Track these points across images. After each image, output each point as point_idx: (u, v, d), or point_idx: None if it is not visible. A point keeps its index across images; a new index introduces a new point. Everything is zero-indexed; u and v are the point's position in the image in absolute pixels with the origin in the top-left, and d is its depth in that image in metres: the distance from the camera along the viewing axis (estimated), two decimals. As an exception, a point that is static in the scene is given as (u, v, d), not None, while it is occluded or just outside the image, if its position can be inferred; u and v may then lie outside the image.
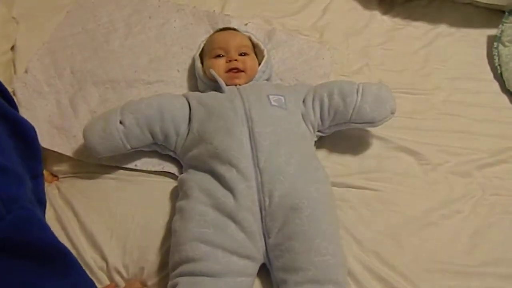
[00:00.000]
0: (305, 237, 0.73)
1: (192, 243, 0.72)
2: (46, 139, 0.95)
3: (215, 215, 0.74)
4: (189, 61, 1.09)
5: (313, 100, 0.91)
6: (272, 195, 0.75)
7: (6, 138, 0.41)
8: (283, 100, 0.89)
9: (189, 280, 0.71)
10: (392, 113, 0.91)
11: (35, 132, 0.45)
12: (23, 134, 0.44)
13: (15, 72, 1.04)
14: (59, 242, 0.45)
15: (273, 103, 0.87)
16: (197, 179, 0.79)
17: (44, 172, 0.95)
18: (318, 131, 0.93)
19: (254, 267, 0.76)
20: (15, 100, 0.95)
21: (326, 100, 0.90)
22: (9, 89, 0.97)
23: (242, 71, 0.93)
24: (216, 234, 0.73)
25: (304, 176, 0.79)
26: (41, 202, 0.47)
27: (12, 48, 1.08)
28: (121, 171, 0.92)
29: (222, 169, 0.77)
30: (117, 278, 0.81)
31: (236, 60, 0.93)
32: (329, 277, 0.71)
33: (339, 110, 0.89)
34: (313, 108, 0.91)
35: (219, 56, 0.95)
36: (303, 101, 0.92)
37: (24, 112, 0.97)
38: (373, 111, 0.88)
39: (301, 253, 0.72)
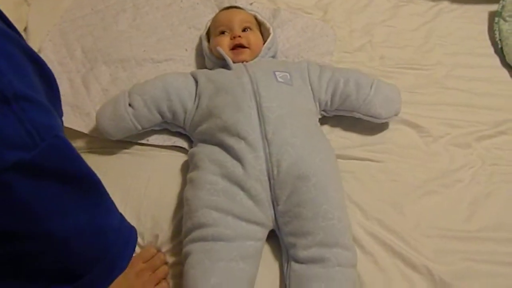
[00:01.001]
0: (312, 203, 0.77)
1: (203, 210, 0.76)
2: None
3: (224, 184, 0.78)
4: (197, 40, 1.12)
5: (329, 80, 0.95)
6: (280, 165, 0.79)
7: (37, 78, 0.43)
8: (289, 77, 0.92)
9: (202, 247, 0.75)
10: (396, 114, 0.96)
11: (55, 78, 0.47)
12: (47, 77, 0.45)
13: (28, 53, 1.07)
14: (93, 172, 0.46)
15: (279, 79, 0.91)
16: (206, 152, 0.83)
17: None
18: (323, 110, 0.96)
19: (263, 232, 0.80)
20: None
21: (341, 85, 0.93)
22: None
23: (247, 47, 0.96)
24: (225, 201, 0.77)
25: (309, 147, 0.82)
26: None
27: (25, 29, 1.11)
28: (135, 146, 0.96)
29: (231, 141, 0.81)
30: (133, 245, 0.85)
31: (239, 36, 0.96)
32: (336, 241, 0.75)
33: (350, 98, 0.93)
34: (327, 88, 0.94)
35: (223, 33, 0.98)
36: (318, 77, 0.95)
37: (39, 91, 1.00)
38: (381, 108, 0.93)
39: (309, 218, 0.76)
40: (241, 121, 0.82)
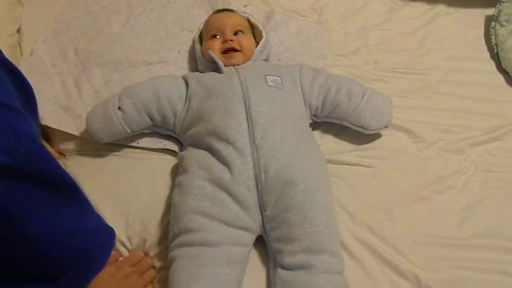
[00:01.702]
0: (300, 209, 0.76)
1: (190, 215, 0.75)
2: (52, 119, 0.98)
3: (212, 189, 0.77)
4: (190, 42, 1.11)
5: (321, 86, 0.94)
6: (267, 170, 0.79)
7: (12, 87, 0.44)
8: (280, 81, 0.92)
9: (187, 252, 0.74)
10: (386, 126, 0.95)
11: (31, 87, 0.48)
12: (24, 87, 0.47)
13: (21, 53, 1.07)
14: (70, 177, 0.48)
15: (270, 83, 0.90)
16: (195, 156, 0.83)
17: (52, 150, 0.99)
18: (314, 115, 0.96)
19: (250, 238, 0.79)
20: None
21: (333, 92, 0.92)
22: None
23: (238, 50, 0.96)
24: (212, 206, 0.76)
25: (298, 152, 0.82)
26: None
27: (18, 30, 1.11)
28: (125, 149, 0.95)
29: (220, 146, 0.80)
30: (122, 249, 0.85)
31: (231, 40, 0.95)
32: (323, 247, 0.75)
33: (340, 106, 0.92)
34: (318, 93, 0.93)
35: (215, 36, 0.98)
36: (311, 82, 0.94)
37: (31, 93, 1.00)
38: (371, 118, 0.92)
39: (296, 224, 0.76)
40: (230, 125, 0.82)
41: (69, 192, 0.49)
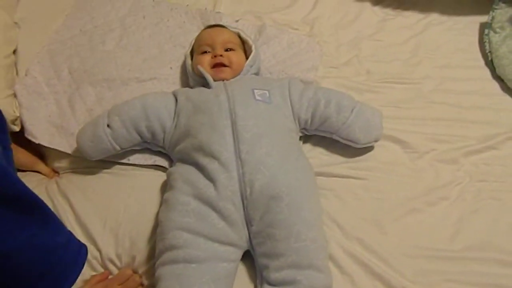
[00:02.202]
0: (285, 224, 0.76)
1: (174, 231, 0.75)
2: (46, 138, 1.00)
3: (196, 205, 0.77)
4: (182, 58, 1.12)
5: (310, 99, 0.94)
6: (253, 185, 0.78)
7: None
8: (267, 95, 0.92)
9: (173, 271, 0.74)
10: (376, 141, 0.95)
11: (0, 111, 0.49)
12: None
13: (17, 74, 1.09)
14: (37, 196, 0.49)
15: (257, 97, 0.90)
16: (181, 171, 0.83)
17: (46, 168, 1.01)
18: (304, 128, 0.96)
19: (237, 253, 0.79)
20: (17, 102, 1.02)
21: (321, 106, 0.92)
22: (12, 92, 1.04)
23: (227, 66, 0.96)
24: (197, 222, 0.76)
25: (285, 166, 0.81)
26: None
27: (14, 51, 1.13)
28: (116, 166, 0.97)
29: (205, 161, 0.80)
30: (111, 267, 0.85)
31: (221, 55, 0.96)
32: (308, 262, 0.74)
33: (329, 120, 0.92)
34: (307, 107, 0.93)
35: (205, 52, 0.99)
36: (300, 95, 0.94)
37: (25, 113, 1.02)
38: (360, 133, 0.92)
39: (281, 239, 0.75)
40: (215, 141, 0.82)
41: (35, 209, 0.50)
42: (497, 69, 1.09)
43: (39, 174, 1.00)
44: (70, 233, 0.57)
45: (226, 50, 0.99)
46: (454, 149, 0.98)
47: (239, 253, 0.80)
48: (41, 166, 1.00)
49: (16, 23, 1.17)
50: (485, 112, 1.04)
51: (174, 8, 1.22)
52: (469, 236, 0.86)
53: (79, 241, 0.58)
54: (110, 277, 0.84)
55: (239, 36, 1.07)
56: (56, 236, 0.53)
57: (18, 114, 1.02)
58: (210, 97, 0.90)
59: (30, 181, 0.97)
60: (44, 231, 0.51)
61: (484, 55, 1.14)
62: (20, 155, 0.98)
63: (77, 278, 0.56)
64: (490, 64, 1.12)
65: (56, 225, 0.54)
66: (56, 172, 1.02)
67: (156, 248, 0.79)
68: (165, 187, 0.91)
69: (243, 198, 0.79)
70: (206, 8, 1.22)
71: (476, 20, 1.21)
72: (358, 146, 0.93)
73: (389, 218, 0.88)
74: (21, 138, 1.00)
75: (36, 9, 1.22)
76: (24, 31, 1.16)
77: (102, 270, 0.85)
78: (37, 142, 0.99)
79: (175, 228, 0.76)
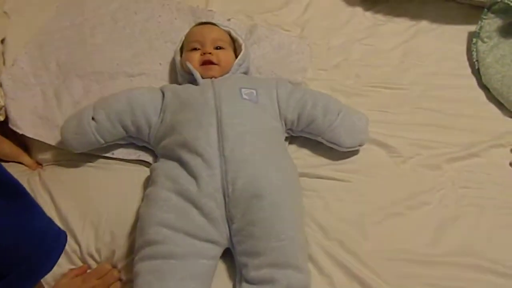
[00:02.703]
0: (265, 223, 0.76)
1: (154, 227, 0.75)
2: (30, 129, 0.99)
3: (177, 201, 0.77)
4: (172, 55, 1.12)
5: (298, 100, 0.94)
6: (235, 183, 0.78)
7: None
8: (255, 94, 0.92)
9: (151, 267, 0.73)
10: (360, 145, 0.95)
11: None
12: None
13: (4, 63, 1.08)
14: (17, 181, 0.51)
15: (244, 96, 0.90)
16: (164, 167, 0.83)
17: (29, 160, 1.00)
18: (290, 129, 0.96)
19: (217, 251, 0.79)
20: (2, 91, 1.01)
21: (308, 107, 0.93)
22: (-2, 81, 1.03)
23: (216, 63, 0.96)
24: (177, 218, 0.76)
25: (268, 165, 0.81)
26: None
27: (3, 41, 1.12)
28: (100, 159, 0.96)
29: (188, 158, 0.80)
30: (91, 261, 0.85)
31: (210, 53, 0.96)
32: (287, 262, 0.74)
33: (315, 122, 0.93)
34: (293, 108, 0.93)
35: (195, 49, 0.99)
36: (287, 96, 0.94)
37: (10, 103, 1.01)
38: (345, 136, 0.93)
39: (261, 238, 0.75)
40: (199, 137, 0.82)
41: (17, 195, 0.51)
42: (483, 78, 1.11)
43: (22, 165, 0.99)
44: (50, 220, 0.57)
45: (216, 48, 0.99)
46: (437, 155, 0.99)
47: (219, 251, 0.79)
48: (24, 157, 0.99)
49: (5, 12, 1.16)
50: (470, 120, 1.05)
51: (166, 4, 1.22)
52: (449, 241, 0.86)
53: (58, 227, 0.58)
54: (88, 271, 0.83)
55: (230, 35, 1.07)
56: (36, 222, 0.54)
57: (3, 104, 1.01)
58: (197, 94, 0.90)
59: (13, 172, 0.93)
60: (24, 216, 0.52)
61: (472, 63, 1.15)
62: (4, 145, 0.97)
63: (54, 264, 0.56)
64: (476, 72, 1.13)
65: (36, 211, 0.55)
66: (39, 164, 1.01)
67: (136, 243, 0.78)
68: (148, 182, 0.90)
69: (225, 195, 0.78)
70: (198, 6, 1.22)
71: (465, 29, 1.22)
72: (343, 149, 0.94)
73: (371, 221, 0.88)
74: (5, 128, 0.99)
75: (27, 0, 1.22)
76: (14, 21, 1.16)
77: (81, 264, 0.84)
78: (21, 132, 0.98)
79: (155, 224, 0.75)
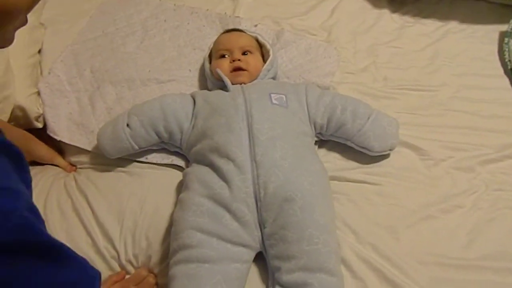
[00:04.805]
0: (298, 227, 0.76)
1: (188, 231, 0.77)
2: (66, 135, 1.03)
3: (211, 205, 0.79)
4: (201, 61, 1.14)
5: (327, 105, 0.94)
6: (267, 187, 0.79)
7: (6, 159, 0.50)
8: (284, 99, 0.93)
9: (185, 271, 0.75)
10: (391, 149, 0.95)
11: (20, 151, 0.54)
12: (15, 155, 0.53)
13: (41, 73, 1.13)
14: (54, 238, 0.54)
15: (274, 101, 0.91)
16: (197, 172, 0.84)
17: (64, 162, 1.03)
18: (319, 133, 0.96)
19: (250, 255, 0.80)
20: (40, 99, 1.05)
21: (338, 112, 0.93)
22: (36, 90, 1.07)
23: (245, 69, 0.98)
24: (211, 223, 0.77)
25: (298, 169, 0.82)
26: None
27: (40, 51, 1.17)
28: (133, 163, 0.98)
29: (221, 162, 0.82)
30: (129, 267, 0.87)
31: (239, 60, 0.98)
32: (320, 266, 0.74)
33: (345, 127, 0.93)
34: (323, 112, 0.94)
35: (223, 56, 1.00)
36: (317, 100, 0.95)
37: (48, 111, 1.05)
38: (375, 141, 0.92)
39: (293, 242, 0.76)
40: (231, 142, 0.83)
41: (54, 253, 0.54)
42: (516, 78, 1.09)
43: (57, 168, 1.02)
44: (85, 263, 0.60)
45: (244, 53, 1.01)
46: (470, 157, 0.97)
47: (252, 254, 0.80)
48: (59, 159, 1.03)
49: (42, 24, 1.21)
50: (503, 121, 1.03)
51: (194, 12, 1.25)
52: (484, 245, 0.85)
53: (92, 269, 0.61)
54: (127, 277, 0.85)
55: (257, 40, 1.08)
56: (72, 273, 0.57)
57: (41, 112, 1.05)
58: (228, 99, 0.92)
59: (49, 174, 1.00)
60: (62, 271, 0.55)
61: (504, 64, 1.13)
62: (40, 148, 1.01)
63: None
64: (509, 73, 1.11)
65: (72, 262, 0.58)
66: (73, 165, 1.04)
67: (170, 247, 0.80)
68: (181, 187, 0.92)
69: (256, 200, 0.79)
70: (225, 13, 1.24)
71: (496, 29, 1.20)
72: (373, 154, 0.94)
73: (403, 225, 0.87)
74: (41, 132, 1.04)
75: (62, 11, 1.27)
76: (49, 32, 1.21)
77: (119, 269, 0.87)
78: (58, 139, 1.02)
79: (189, 228, 0.77)
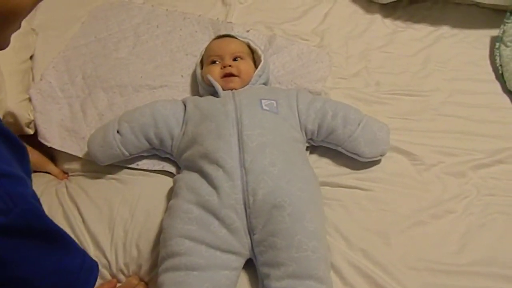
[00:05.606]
0: (287, 234, 0.76)
1: (177, 239, 0.76)
2: (57, 141, 1.03)
3: (199, 212, 0.78)
4: (193, 67, 1.14)
5: (317, 111, 0.94)
6: (256, 193, 0.79)
7: (9, 151, 0.52)
8: (275, 105, 0.93)
9: (174, 278, 0.75)
10: (382, 155, 0.95)
11: (24, 146, 0.57)
12: (17, 146, 0.55)
13: (33, 79, 1.13)
14: (57, 226, 0.56)
15: (264, 107, 0.91)
16: (186, 179, 0.84)
17: (56, 169, 1.03)
18: (310, 139, 0.96)
19: (239, 261, 0.79)
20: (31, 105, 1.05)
21: (328, 117, 0.93)
22: (27, 96, 1.07)
23: (236, 75, 0.98)
24: (199, 230, 0.77)
25: (288, 176, 0.82)
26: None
27: (31, 57, 1.17)
28: (124, 170, 0.98)
29: (210, 169, 0.81)
30: (120, 275, 0.87)
31: (230, 65, 0.98)
32: (309, 273, 0.74)
33: (336, 133, 0.93)
34: (314, 118, 0.94)
35: (214, 62, 1.00)
36: (307, 106, 0.95)
37: (39, 117, 1.05)
38: (366, 147, 0.92)
39: (282, 249, 0.75)
40: (220, 149, 0.83)
41: (57, 239, 0.56)
42: (507, 83, 1.09)
43: (49, 175, 1.02)
44: (84, 253, 0.62)
45: (235, 59, 1.00)
46: (462, 162, 0.97)
47: (241, 261, 0.80)
48: (51, 167, 1.03)
49: (33, 29, 1.21)
50: (494, 126, 1.04)
51: (187, 17, 1.25)
52: (475, 251, 0.85)
53: (91, 259, 0.63)
54: (118, 285, 0.85)
55: (249, 46, 1.08)
56: (73, 260, 0.59)
57: (32, 118, 1.05)
58: (218, 105, 0.92)
59: (41, 181, 0.99)
60: (64, 257, 0.57)
61: (495, 68, 1.14)
62: (32, 154, 1.00)
63: None
64: (500, 78, 1.11)
65: (73, 249, 0.60)
66: (65, 173, 1.03)
67: (159, 254, 0.80)
68: (172, 193, 0.92)
69: (246, 206, 0.79)
70: (218, 18, 1.24)
71: (487, 34, 1.21)
72: (363, 159, 0.93)
73: (394, 230, 0.87)
74: (32, 139, 1.03)
75: (53, 17, 1.26)
76: (41, 38, 1.20)
77: (110, 278, 0.86)
78: (49, 145, 1.02)
79: (177, 235, 0.77)
